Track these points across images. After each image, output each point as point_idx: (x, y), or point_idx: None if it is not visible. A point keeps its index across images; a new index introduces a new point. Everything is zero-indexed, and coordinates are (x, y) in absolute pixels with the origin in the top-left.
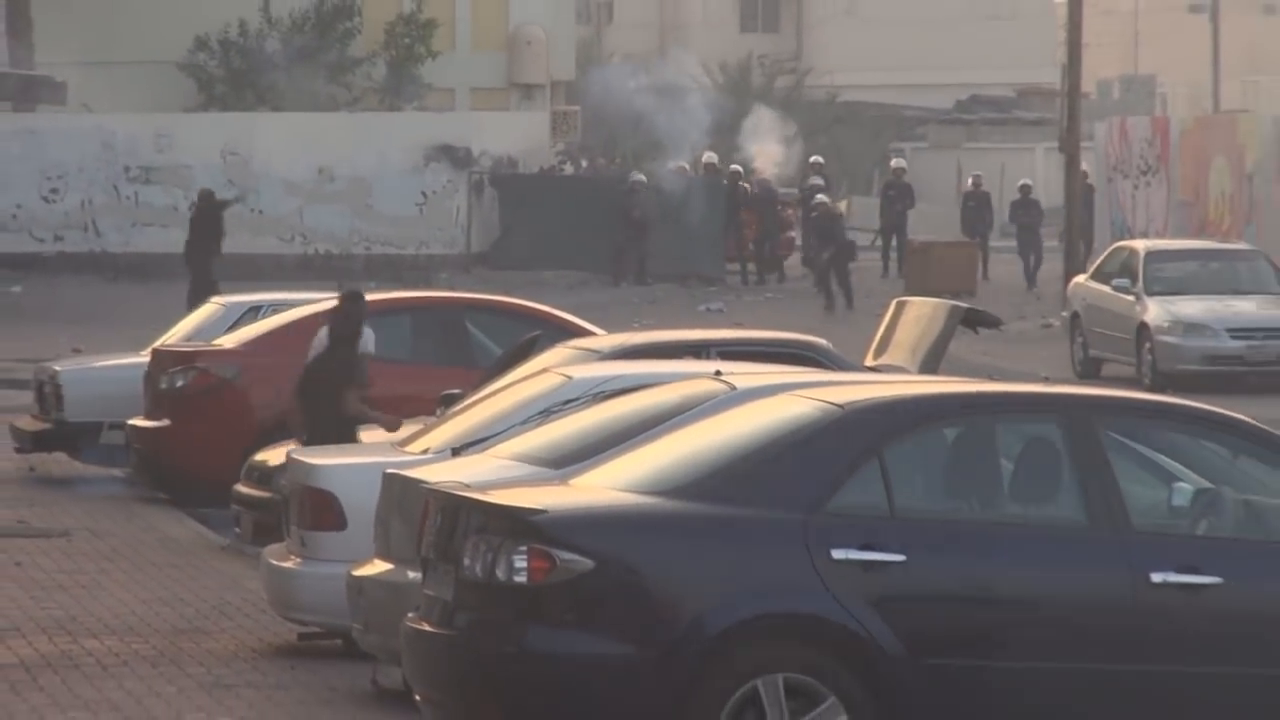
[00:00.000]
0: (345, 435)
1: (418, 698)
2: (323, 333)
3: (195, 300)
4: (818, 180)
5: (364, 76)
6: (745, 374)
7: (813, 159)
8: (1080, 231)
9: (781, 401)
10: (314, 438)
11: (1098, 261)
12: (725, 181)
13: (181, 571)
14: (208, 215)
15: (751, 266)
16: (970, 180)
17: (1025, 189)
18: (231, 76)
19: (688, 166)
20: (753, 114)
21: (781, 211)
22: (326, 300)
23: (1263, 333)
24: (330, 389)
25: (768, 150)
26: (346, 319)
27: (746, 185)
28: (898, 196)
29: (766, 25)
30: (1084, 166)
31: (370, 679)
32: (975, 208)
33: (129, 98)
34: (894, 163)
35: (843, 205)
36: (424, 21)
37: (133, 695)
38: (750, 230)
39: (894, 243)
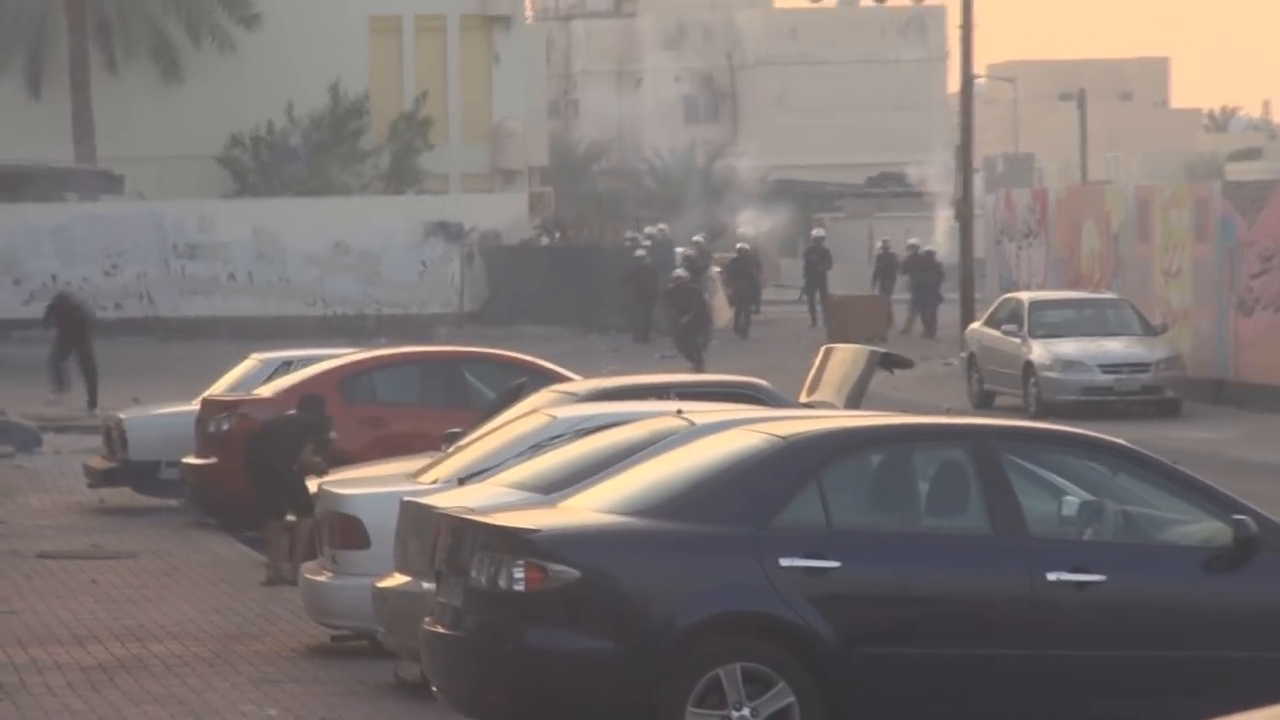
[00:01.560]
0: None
1: (434, 689)
2: None
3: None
4: (691, 252)
5: (372, 166)
6: (702, 412)
7: (695, 237)
8: (927, 292)
9: (734, 435)
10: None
11: (989, 310)
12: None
13: (231, 585)
14: (65, 316)
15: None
16: (879, 244)
17: (913, 248)
18: (261, 167)
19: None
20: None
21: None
22: (346, 355)
23: (1128, 367)
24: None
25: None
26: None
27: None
28: (819, 259)
29: (707, 116)
30: (913, 240)
31: (393, 673)
32: (884, 268)
33: (176, 187)
34: (814, 231)
35: (714, 271)
36: (422, 119)
37: (194, 691)
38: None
39: (817, 297)
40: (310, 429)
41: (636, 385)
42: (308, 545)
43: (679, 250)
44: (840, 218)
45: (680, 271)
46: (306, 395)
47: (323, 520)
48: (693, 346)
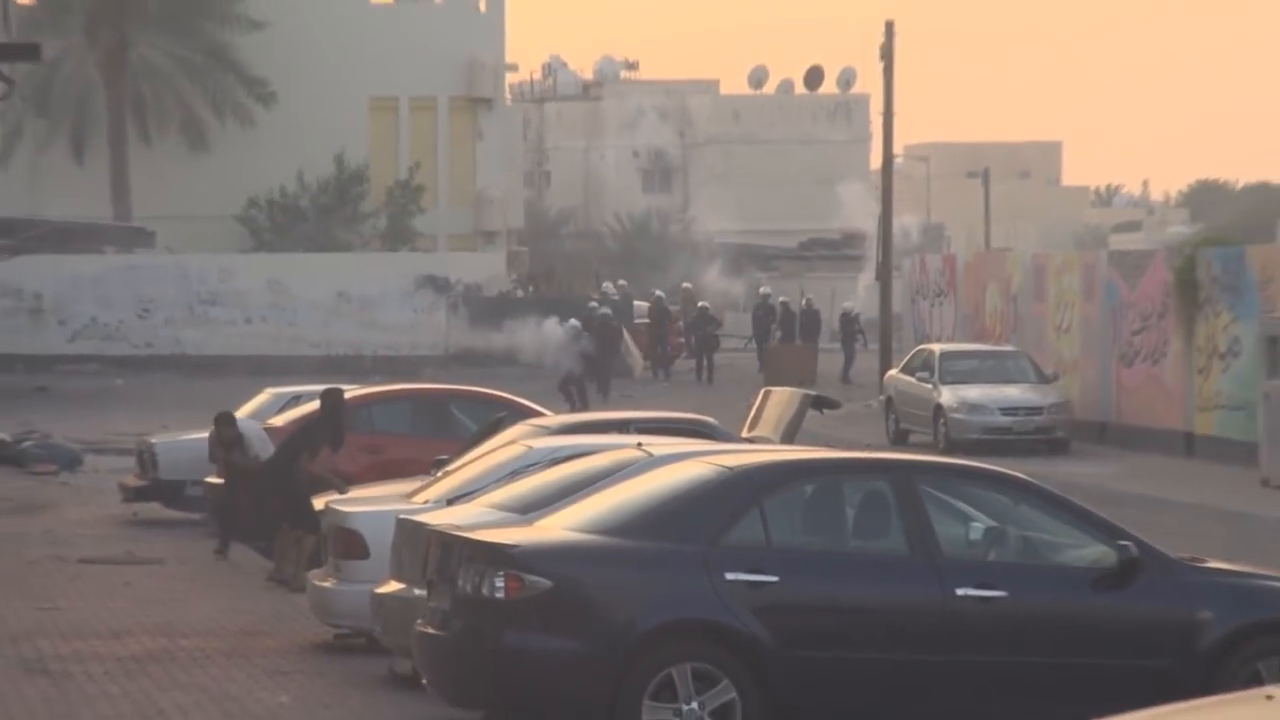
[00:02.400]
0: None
1: (424, 682)
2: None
3: None
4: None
5: (371, 226)
6: (659, 444)
7: (656, 292)
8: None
9: (687, 465)
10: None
11: (905, 359)
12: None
13: (247, 589)
14: None
15: (647, 363)
16: (805, 301)
17: (846, 309)
18: (275, 226)
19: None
20: None
21: (672, 324)
22: (347, 392)
23: (1025, 410)
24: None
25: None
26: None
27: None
28: (765, 314)
29: (661, 187)
30: (847, 303)
31: (389, 668)
32: (810, 322)
33: (200, 242)
34: (761, 289)
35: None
36: (415, 186)
37: (215, 680)
38: (647, 338)
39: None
40: (307, 439)
41: (602, 420)
42: (312, 556)
43: (637, 303)
44: (776, 276)
45: (574, 322)
46: (328, 389)
47: (328, 533)
48: (580, 389)
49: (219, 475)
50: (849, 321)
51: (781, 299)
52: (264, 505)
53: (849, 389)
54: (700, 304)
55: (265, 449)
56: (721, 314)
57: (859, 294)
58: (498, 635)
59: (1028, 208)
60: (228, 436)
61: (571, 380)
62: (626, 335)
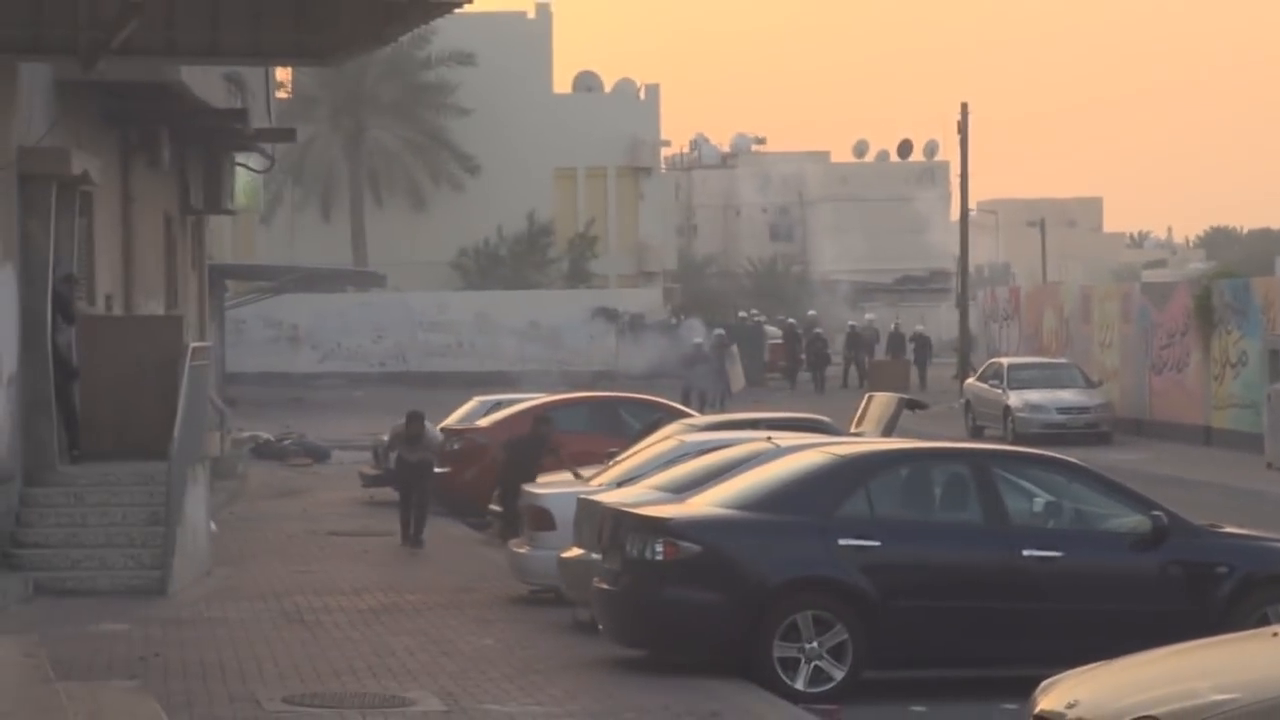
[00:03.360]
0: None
1: (600, 627)
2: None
3: None
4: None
5: (556, 269)
6: (784, 438)
7: (788, 319)
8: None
9: (806, 454)
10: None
11: (979, 370)
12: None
13: (459, 554)
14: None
15: (778, 375)
16: (893, 325)
17: (919, 332)
18: (480, 270)
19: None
20: None
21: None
22: (534, 399)
23: (1076, 409)
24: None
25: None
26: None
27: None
28: (854, 340)
29: (785, 237)
30: (919, 326)
31: (572, 616)
32: (896, 342)
33: (421, 283)
34: (866, 315)
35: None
36: (590, 237)
37: (433, 626)
38: (783, 355)
39: (865, 363)
40: (543, 443)
41: (738, 419)
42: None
43: (768, 328)
44: (877, 305)
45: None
46: (539, 416)
47: (524, 511)
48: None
49: (440, 466)
50: (923, 342)
51: (896, 322)
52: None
53: (930, 394)
54: (815, 329)
55: (436, 447)
56: (832, 336)
57: (941, 320)
58: (658, 590)
59: (1075, 250)
60: (415, 431)
61: (694, 388)
62: (736, 354)
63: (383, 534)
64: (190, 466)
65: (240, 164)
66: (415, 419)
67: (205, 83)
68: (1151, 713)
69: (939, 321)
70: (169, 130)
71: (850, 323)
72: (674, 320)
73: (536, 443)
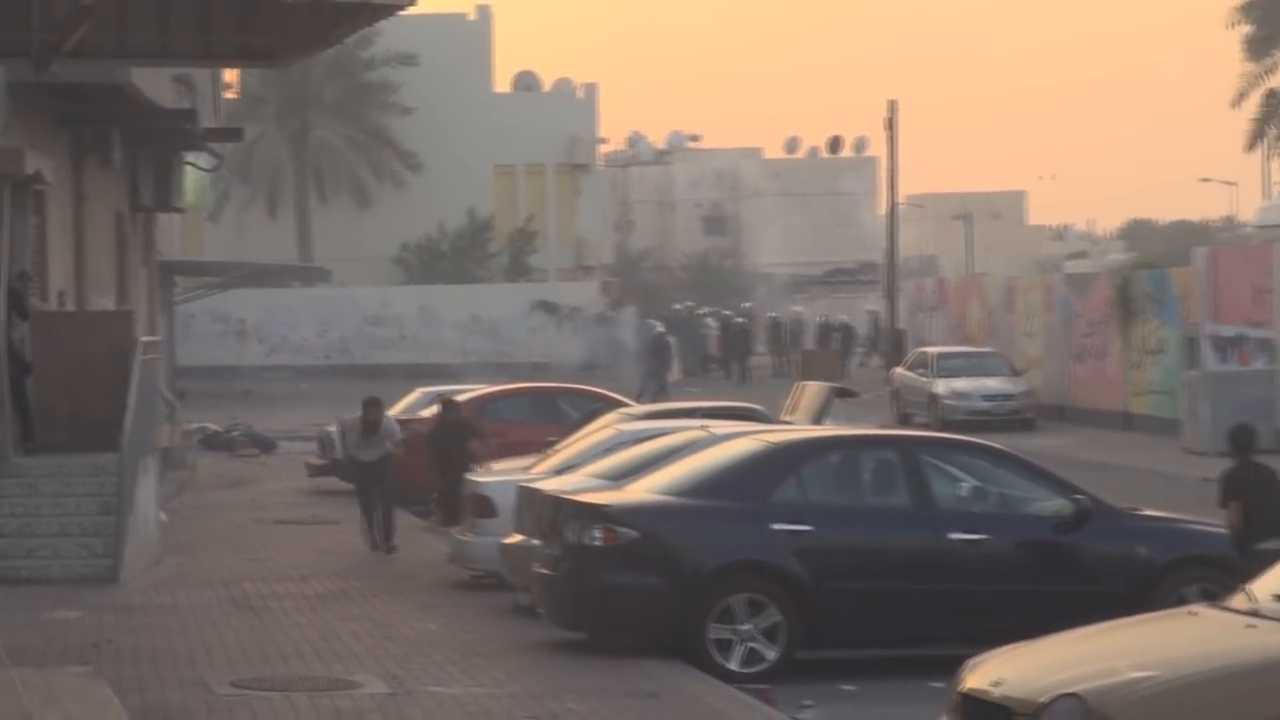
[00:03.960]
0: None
1: (540, 611)
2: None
3: None
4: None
5: (496, 263)
6: (719, 426)
7: (724, 311)
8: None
9: (740, 441)
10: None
11: (908, 359)
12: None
13: (403, 542)
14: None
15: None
16: (820, 317)
17: (843, 325)
18: (422, 264)
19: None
20: None
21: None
22: (476, 390)
23: (1001, 397)
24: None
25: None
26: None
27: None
28: (795, 329)
29: (718, 232)
30: (843, 317)
31: (513, 601)
32: (827, 333)
33: (365, 277)
34: (795, 308)
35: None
36: (529, 232)
37: (378, 611)
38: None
39: (790, 353)
40: (466, 428)
41: (674, 408)
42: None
43: (708, 320)
44: (806, 298)
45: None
46: (445, 402)
47: (467, 498)
48: (657, 386)
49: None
50: (848, 332)
51: (843, 318)
52: (454, 485)
53: (857, 382)
54: (736, 320)
55: (396, 438)
56: (758, 328)
57: (867, 310)
58: (597, 575)
59: (1000, 242)
60: (372, 418)
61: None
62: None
63: (329, 522)
64: (141, 458)
65: (189, 163)
66: (372, 406)
67: (155, 84)
68: (1073, 690)
69: (861, 313)
70: (120, 130)
71: (771, 314)
72: (610, 313)
73: (458, 430)
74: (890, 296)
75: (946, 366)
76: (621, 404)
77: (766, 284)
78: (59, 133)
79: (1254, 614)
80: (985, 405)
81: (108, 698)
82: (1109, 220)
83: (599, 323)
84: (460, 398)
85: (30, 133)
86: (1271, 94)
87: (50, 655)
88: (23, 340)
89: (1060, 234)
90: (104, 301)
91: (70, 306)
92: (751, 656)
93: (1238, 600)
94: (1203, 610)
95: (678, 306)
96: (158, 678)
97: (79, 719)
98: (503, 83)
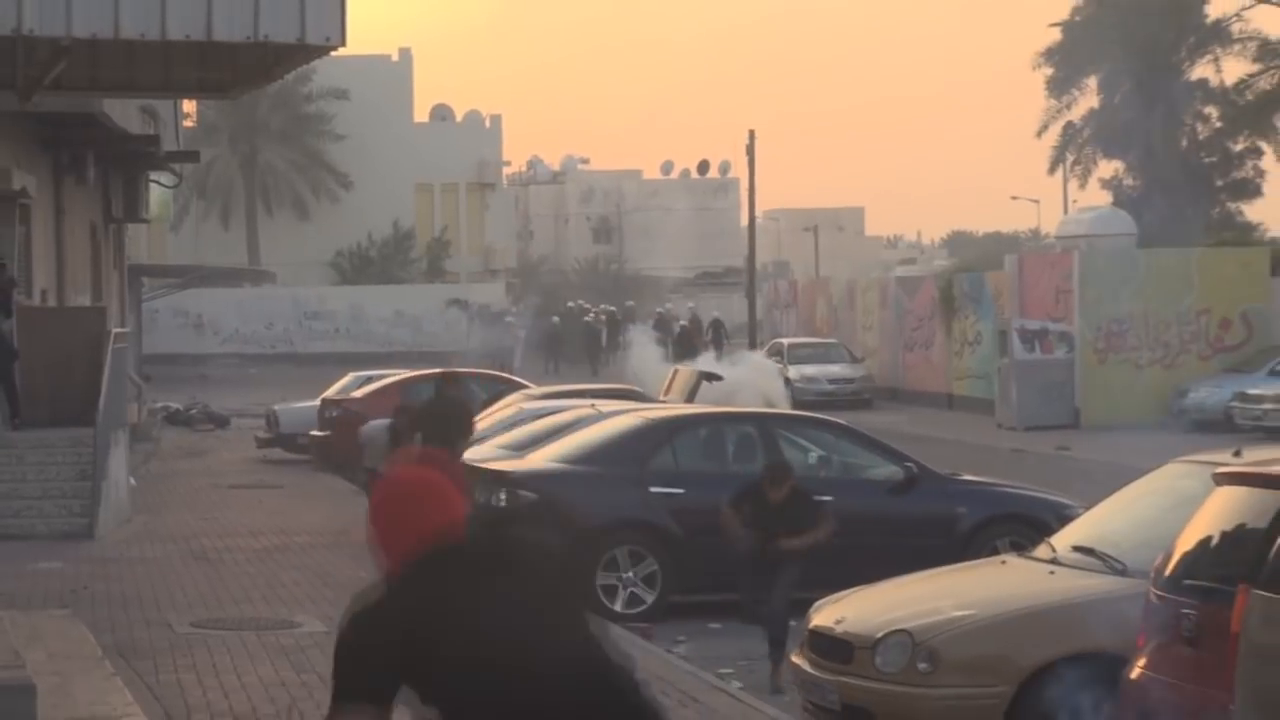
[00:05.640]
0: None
1: None
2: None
3: None
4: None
5: (417, 267)
6: (605, 404)
7: (607, 306)
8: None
9: (624, 417)
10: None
11: (764, 349)
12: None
13: (341, 504)
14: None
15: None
16: (689, 312)
17: (715, 320)
18: (354, 268)
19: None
20: None
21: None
22: (399, 375)
23: (843, 380)
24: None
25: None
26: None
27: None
28: (665, 324)
29: (606, 240)
30: (715, 313)
31: None
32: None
33: (304, 280)
34: (667, 304)
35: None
36: (445, 241)
37: (317, 562)
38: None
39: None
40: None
41: (567, 390)
42: None
43: (590, 314)
44: (678, 297)
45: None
46: (400, 407)
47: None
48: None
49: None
50: (718, 326)
51: (691, 307)
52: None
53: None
54: (584, 319)
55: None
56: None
57: (733, 308)
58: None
59: (842, 251)
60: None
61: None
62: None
63: (274, 487)
64: (113, 432)
65: (154, 181)
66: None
67: (124, 113)
68: (904, 626)
69: (731, 309)
70: (94, 153)
71: (657, 309)
72: (513, 309)
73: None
74: (750, 296)
75: (797, 355)
76: (523, 386)
77: (656, 285)
78: (41, 154)
79: (1054, 562)
80: (830, 387)
81: (84, 636)
82: (934, 231)
83: (502, 317)
84: (385, 382)
85: (16, 154)
86: (1069, 126)
87: (35, 600)
88: (11, 333)
89: (893, 243)
90: (81, 299)
91: (52, 303)
92: (633, 599)
93: (1041, 551)
94: (1012, 560)
95: (571, 304)
96: (127, 619)
97: (60, 654)
98: (421, 113)
